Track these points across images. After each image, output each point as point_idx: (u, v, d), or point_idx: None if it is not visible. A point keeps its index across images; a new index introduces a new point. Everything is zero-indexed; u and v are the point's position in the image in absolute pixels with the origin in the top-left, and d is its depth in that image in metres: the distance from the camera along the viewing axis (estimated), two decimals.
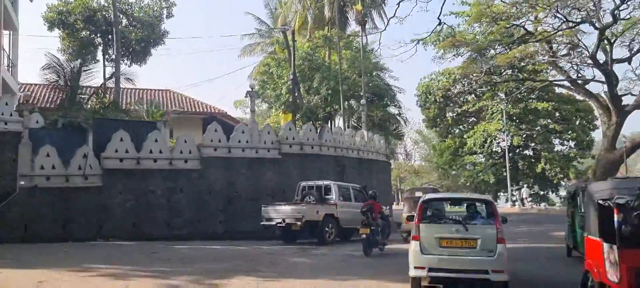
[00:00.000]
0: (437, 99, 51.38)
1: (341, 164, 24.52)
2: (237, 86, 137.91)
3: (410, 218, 10.24)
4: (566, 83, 44.11)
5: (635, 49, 35.58)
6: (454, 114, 54.02)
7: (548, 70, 43.49)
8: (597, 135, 46.94)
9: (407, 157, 71.45)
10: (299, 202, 19.06)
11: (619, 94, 37.29)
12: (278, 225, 17.97)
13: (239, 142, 21.75)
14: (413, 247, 8.89)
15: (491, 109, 47.91)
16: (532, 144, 47.37)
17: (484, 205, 9.63)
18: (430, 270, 8.65)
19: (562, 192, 49.15)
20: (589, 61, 35.30)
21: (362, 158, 26.63)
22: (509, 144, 45.75)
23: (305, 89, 35.22)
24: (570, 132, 45.51)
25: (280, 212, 18.18)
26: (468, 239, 8.69)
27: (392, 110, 37.57)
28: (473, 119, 51.06)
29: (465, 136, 49.24)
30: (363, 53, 34.92)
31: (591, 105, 49.59)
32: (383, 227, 15.76)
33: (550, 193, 49.24)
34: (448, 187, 60.24)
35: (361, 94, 31.01)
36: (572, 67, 41.59)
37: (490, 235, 8.67)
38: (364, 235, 14.48)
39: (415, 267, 8.78)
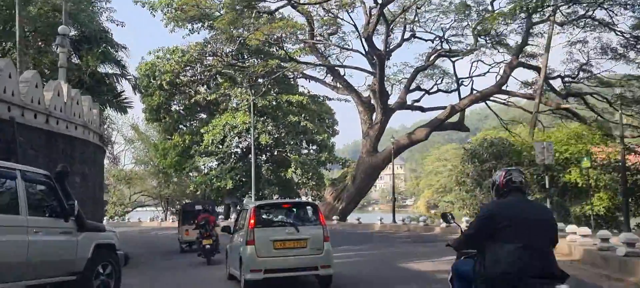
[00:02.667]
0: (164, 85, 39.69)
1: (9, 133, 11.34)
2: None
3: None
4: (321, 76, 38.19)
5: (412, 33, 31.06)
6: (182, 107, 43.14)
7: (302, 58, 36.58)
8: (337, 140, 42.55)
9: (114, 161, 56.65)
10: None
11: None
12: None
13: None
14: (248, 251, 9.04)
15: (235, 97, 38.67)
16: (279, 148, 39.77)
17: (311, 208, 10.20)
18: (267, 271, 8.98)
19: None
20: (357, 50, 28.99)
21: (55, 131, 13.74)
22: (256, 142, 37.13)
23: None
24: (317, 134, 39.26)
25: None
26: (300, 240, 9.23)
27: (111, 70, 24.39)
28: (213, 110, 40.91)
29: (202, 130, 38.69)
30: None
31: (331, 108, 45.47)
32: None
33: None
34: (167, 197, 48.68)
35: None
36: (335, 50, 35.63)
37: (318, 235, 9.38)
38: (208, 246, 15.16)
39: (251, 270, 8.96)
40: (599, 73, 29.73)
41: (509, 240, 3.78)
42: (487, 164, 26.48)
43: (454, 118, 33.32)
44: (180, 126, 42.67)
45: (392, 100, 33.65)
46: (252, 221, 9.18)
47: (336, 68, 33.97)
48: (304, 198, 45.22)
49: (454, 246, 4.47)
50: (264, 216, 9.80)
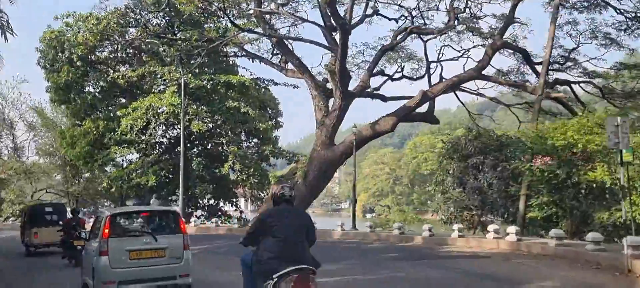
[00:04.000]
0: (75, 60, 32.78)
1: None
2: None
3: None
4: (267, 56, 32.42)
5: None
6: (98, 89, 36.19)
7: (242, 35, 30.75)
8: (282, 137, 36.98)
9: (15, 152, 47.91)
10: None
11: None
12: None
13: None
14: (102, 262, 8.68)
15: (162, 77, 32.16)
16: (214, 140, 33.57)
17: (171, 216, 9.79)
18: (121, 282, 8.67)
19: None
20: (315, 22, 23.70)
21: None
22: (186, 131, 30.83)
23: None
24: (260, 122, 33.36)
25: None
26: (158, 249, 9.00)
27: None
28: (136, 93, 34.08)
29: (119, 113, 31.89)
30: None
31: (275, 97, 39.78)
32: None
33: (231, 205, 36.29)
34: (77, 195, 40.96)
35: None
36: (287, 23, 29.96)
37: (177, 243, 9.13)
38: (80, 247, 13.70)
39: (104, 282, 8.66)
40: (589, 60, 26.17)
41: (275, 236, 5.40)
42: (472, 160, 21.76)
43: (422, 108, 28.60)
44: (94, 111, 35.45)
45: (353, 86, 28.43)
46: (106, 230, 8.89)
47: (288, 42, 28.32)
48: (242, 200, 39.28)
49: (243, 242, 5.87)
50: (120, 225, 9.52)
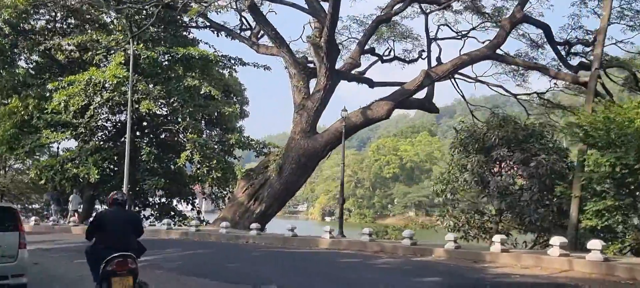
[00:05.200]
0: (1, 25, 27.23)
1: None
2: None
3: None
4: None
5: None
6: (32, 64, 30.49)
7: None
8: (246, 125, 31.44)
9: None
10: None
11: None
12: None
13: None
14: None
15: (109, 45, 26.50)
16: (169, 126, 28.19)
17: (6, 213, 9.40)
18: None
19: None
20: None
21: None
22: (135, 113, 25.42)
23: None
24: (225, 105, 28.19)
25: None
26: None
27: None
28: (76, 71, 28.21)
29: (50, 87, 26.14)
30: None
31: (240, 83, 34.70)
32: None
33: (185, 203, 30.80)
34: (2, 189, 34.60)
35: None
36: None
37: (12, 242, 8.84)
38: None
39: None
40: (615, 43, 22.51)
41: (107, 231, 7.07)
42: (496, 152, 17.51)
43: (420, 94, 24.27)
44: (25, 88, 29.36)
45: (339, 65, 23.83)
46: None
47: (266, 4, 23.48)
48: (199, 198, 33.85)
49: (86, 237, 7.33)
50: None
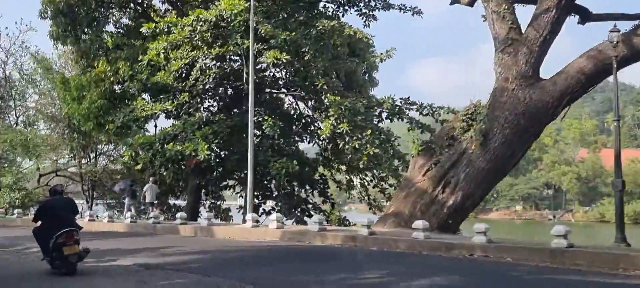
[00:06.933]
0: None
1: None
2: None
3: None
4: None
5: None
6: (123, 30, 24.73)
7: None
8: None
9: (27, 126, 36.03)
10: None
11: None
12: None
13: None
14: None
15: None
16: (297, 85, 20.77)
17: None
18: None
19: None
20: None
21: None
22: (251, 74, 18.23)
23: None
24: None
25: None
26: None
27: None
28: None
29: (144, 30, 19.47)
30: None
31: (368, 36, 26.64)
32: None
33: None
34: (94, 178, 28.92)
35: None
36: None
37: None
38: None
39: None
40: None
41: (51, 215, 8.69)
42: None
43: None
44: (115, 51, 23.11)
45: None
46: None
47: None
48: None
49: (33, 220, 9.16)
50: None
